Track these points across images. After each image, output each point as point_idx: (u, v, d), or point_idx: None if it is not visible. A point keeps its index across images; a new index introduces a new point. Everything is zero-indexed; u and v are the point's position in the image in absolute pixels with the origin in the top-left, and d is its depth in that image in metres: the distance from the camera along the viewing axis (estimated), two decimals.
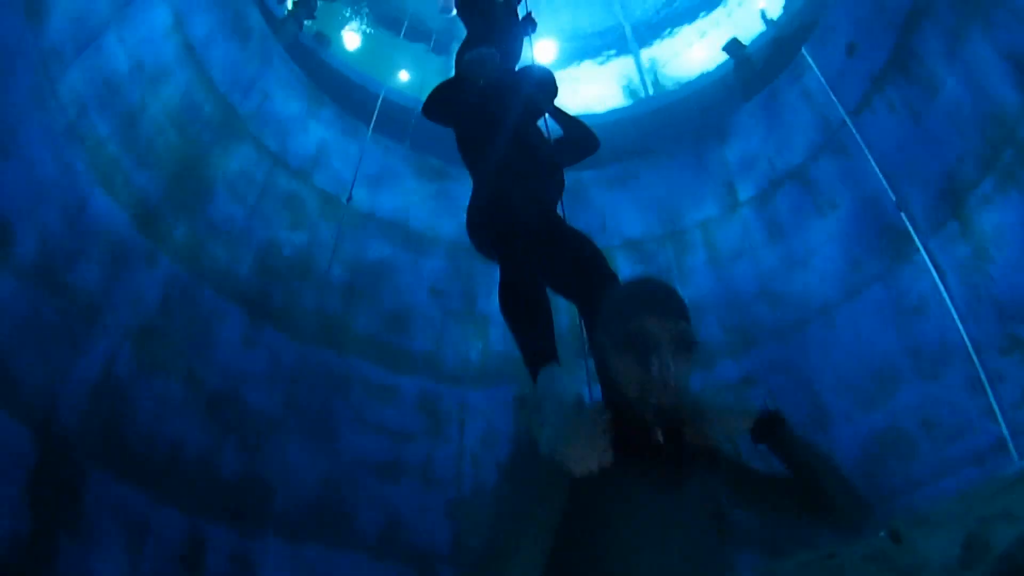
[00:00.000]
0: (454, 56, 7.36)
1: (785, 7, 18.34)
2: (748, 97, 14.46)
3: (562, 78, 19.15)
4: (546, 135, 6.42)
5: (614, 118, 18.57)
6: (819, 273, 11.28)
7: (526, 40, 8.41)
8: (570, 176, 13.96)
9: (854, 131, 11.28)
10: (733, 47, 16.50)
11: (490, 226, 4.71)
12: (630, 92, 21.53)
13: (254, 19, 13.17)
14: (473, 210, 4.99)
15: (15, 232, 7.87)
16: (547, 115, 6.71)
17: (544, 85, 6.35)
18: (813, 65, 12.46)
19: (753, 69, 15.43)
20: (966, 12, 9.56)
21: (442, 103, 6.22)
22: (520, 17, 8.52)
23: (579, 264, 4.94)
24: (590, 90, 21.74)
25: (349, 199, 12.59)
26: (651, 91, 20.85)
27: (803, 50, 12.83)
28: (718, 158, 13.49)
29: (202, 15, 11.78)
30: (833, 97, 11.84)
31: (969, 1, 9.56)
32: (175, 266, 10.36)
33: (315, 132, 13.43)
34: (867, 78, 11.18)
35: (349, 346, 11.89)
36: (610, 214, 13.86)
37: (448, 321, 12.77)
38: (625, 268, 13.02)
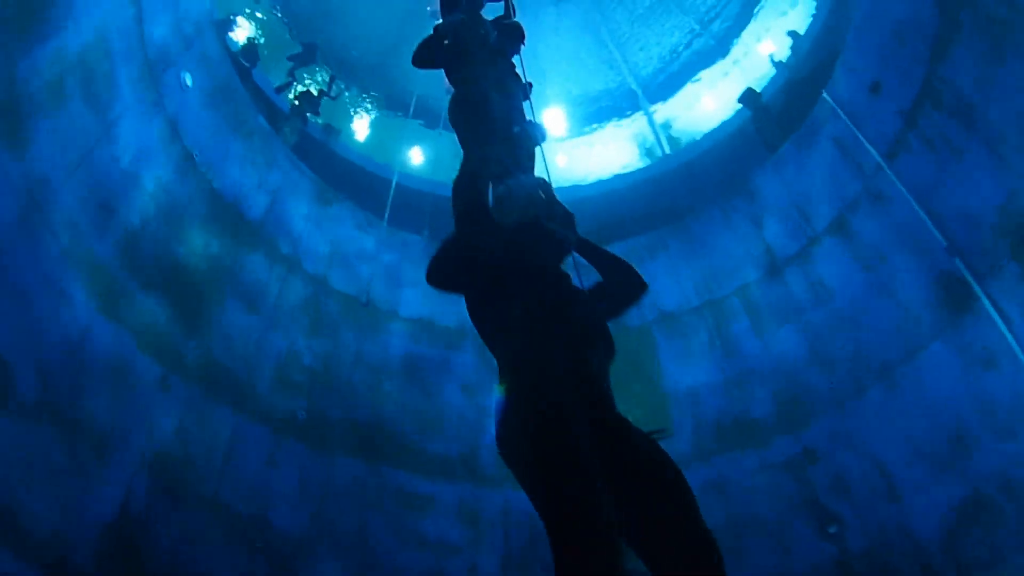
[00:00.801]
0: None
1: (793, 49, 17.74)
2: (772, 149, 13.76)
3: (575, 144, 18.97)
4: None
5: (632, 180, 17.99)
6: (873, 332, 10.35)
7: (525, 104, 7.62)
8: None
9: (891, 175, 10.47)
10: (749, 98, 15.82)
11: (535, 447, 3.12)
12: (646, 151, 20.96)
13: (256, 121, 12.63)
14: (507, 426, 3.36)
15: (13, 372, 7.29)
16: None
17: (567, 220, 5.03)
18: (837, 109, 11.69)
19: (772, 118, 14.73)
20: (998, 32, 8.81)
21: (454, 268, 4.41)
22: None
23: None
24: (605, 153, 21.23)
25: (367, 302, 11.97)
26: (667, 148, 20.23)
27: (824, 94, 12.08)
28: (750, 217, 12.69)
29: (201, 122, 11.24)
30: (863, 140, 11.06)
31: (996, 20, 8.82)
32: (190, 388, 9.73)
33: (329, 231, 12.82)
34: (898, 116, 10.37)
35: (380, 455, 11.15)
36: None
37: (483, 419, 11.94)
38: (664, 344, 12.30)
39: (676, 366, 12.14)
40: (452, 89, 7.08)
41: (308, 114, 16.14)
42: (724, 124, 17.87)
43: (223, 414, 9.98)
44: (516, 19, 8.25)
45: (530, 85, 6.80)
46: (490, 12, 7.91)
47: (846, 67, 11.64)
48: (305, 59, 20.26)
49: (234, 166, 11.74)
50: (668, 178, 17.55)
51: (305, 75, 20.97)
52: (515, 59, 7.54)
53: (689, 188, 16.46)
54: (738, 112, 17.22)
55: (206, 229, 10.81)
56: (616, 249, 11.90)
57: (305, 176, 13.09)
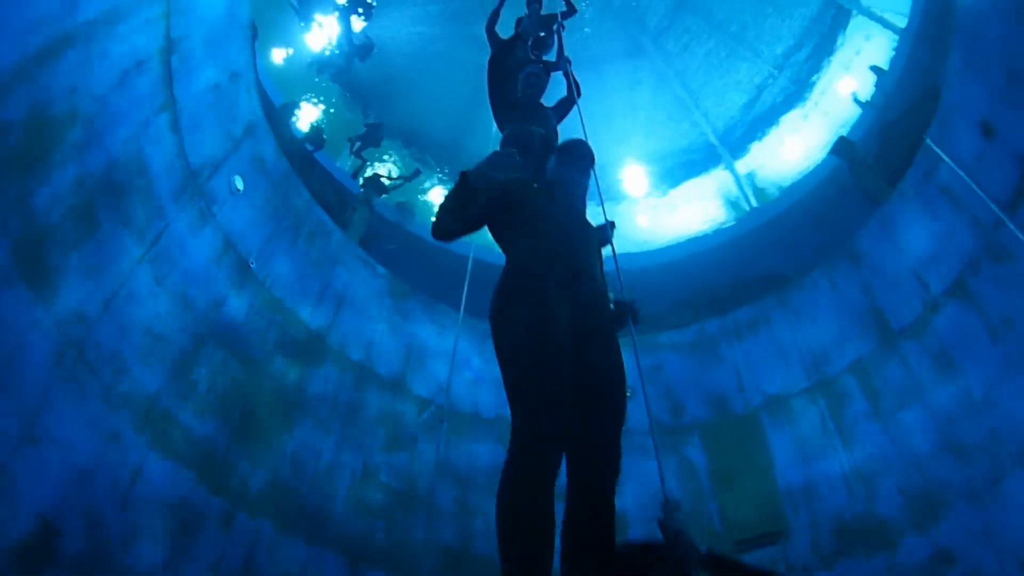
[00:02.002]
0: None
1: (878, 86, 16.49)
2: (873, 201, 12.45)
3: (656, 203, 17.85)
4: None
5: (721, 239, 16.83)
6: (1008, 411, 8.83)
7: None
8: (693, 331, 12.19)
9: (1013, 229, 9.05)
10: (843, 148, 14.45)
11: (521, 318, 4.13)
12: (731, 205, 19.79)
13: (318, 218, 11.64)
14: (500, 296, 4.41)
15: (59, 528, 6.49)
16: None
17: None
18: (944, 156, 10.30)
19: (869, 168, 13.37)
20: None
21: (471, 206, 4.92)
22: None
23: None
24: (688, 210, 20.12)
25: (447, 405, 10.89)
26: (754, 201, 19.02)
27: (927, 140, 10.69)
28: (857, 282, 11.24)
29: (256, 227, 10.29)
30: (978, 191, 9.65)
31: None
32: (256, 520, 8.71)
33: (403, 329, 11.76)
34: (1017, 162, 8.96)
35: None
36: (745, 369, 11.83)
37: None
38: (773, 433, 10.97)
39: (788, 458, 10.76)
40: None
41: (375, 199, 15.11)
42: (813, 172, 16.75)
43: (295, 546, 8.96)
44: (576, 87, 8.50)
45: (612, 224, 6.13)
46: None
47: (950, 108, 10.24)
48: (370, 140, 19.47)
49: (295, 271, 10.76)
50: (759, 235, 16.35)
51: (376, 156, 20.22)
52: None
53: (783, 246, 15.26)
54: (827, 158, 15.97)
55: (266, 343, 9.83)
56: (713, 326, 10.77)
57: (374, 272, 12.04)
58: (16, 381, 6.39)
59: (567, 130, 7.66)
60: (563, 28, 10.05)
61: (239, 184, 9.91)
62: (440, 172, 21.29)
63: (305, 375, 10.18)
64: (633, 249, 19.01)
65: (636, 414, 5.79)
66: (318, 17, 19.45)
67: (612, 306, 4.85)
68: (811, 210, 15.64)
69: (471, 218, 4.59)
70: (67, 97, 6.90)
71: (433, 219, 4.55)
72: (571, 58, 9.55)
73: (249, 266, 9.88)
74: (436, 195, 21.25)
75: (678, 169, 21.16)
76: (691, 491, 10.96)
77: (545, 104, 8.24)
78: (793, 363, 11.40)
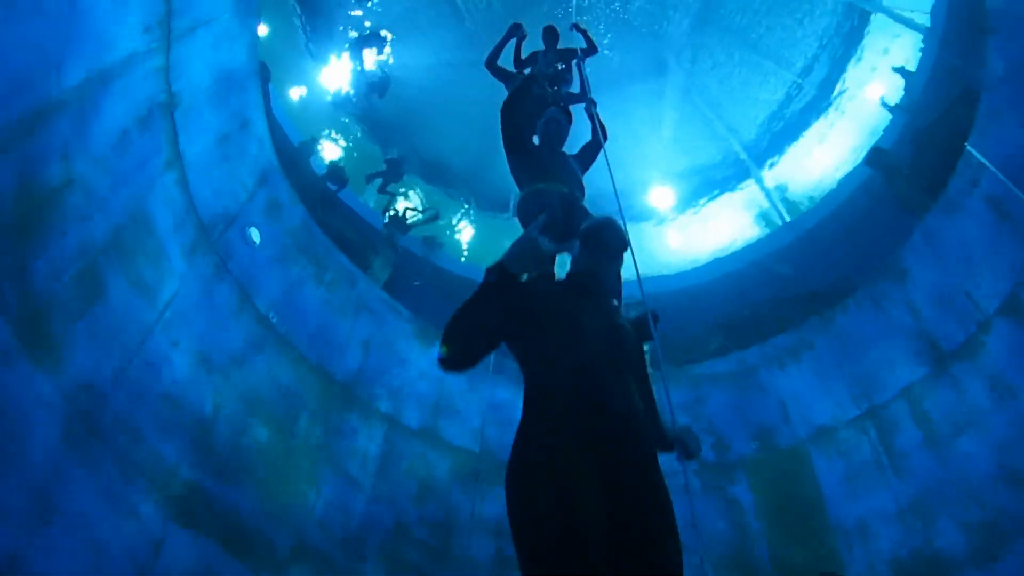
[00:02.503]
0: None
1: (907, 90, 15.88)
2: (910, 210, 11.85)
3: (686, 221, 17.33)
4: None
5: (754, 256, 16.19)
6: None
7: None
8: (733, 360, 11.60)
9: None
10: (877, 159, 13.82)
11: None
12: (762, 218, 19.25)
13: (340, 263, 11.18)
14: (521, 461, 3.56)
15: None
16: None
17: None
18: (988, 165, 9.69)
19: (905, 178, 12.74)
20: None
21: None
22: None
23: None
24: (720, 227, 19.58)
25: (481, 451, 10.40)
26: (785, 213, 18.42)
27: (968, 147, 10.07)
28: (902, 302, 10.54)
29: (275, 278, 9.85)
30: None
31: None
32: None
33: (433, 375, 11.21)
34: None
35: None
36: (790, 399, 11.14)
37: None
38: (823, 466, 10.33)
39: (839, 492, 10.09)
40: None
41: (401, 236, 14.65)
42: (844, 182, 16.13)
43: None
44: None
45: (655, 317, 5.32)
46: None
47: (992, 114, 9.64)
48: (391, 175, 19.06)
49: (318, 321, 10.32)
50: (793, 251, 15.71)
51: (398, 189, 19.84)
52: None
53: (819, 261, 14.69)
54: (858, 167, 15.38)
55: (290, 400, 9.36)
56: (753, 354, 10.20)
57: (400, 316, 11.54)
58: (24, 459, 5.96)
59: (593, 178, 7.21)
60: (583, 62, 9.55)
61: (255, 236, 9.49)
62: (465, 203, 20.85)
63: (332, 431, 9.70)
64: (664, 271, 18.53)
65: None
66: (335, 47, 19.15)
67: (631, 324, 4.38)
68: (845, 222, 15.03)
69: (490, 338, 3.80)
70: (61, 162, 6.45)
71: (441, 348, 3.74)
72: (590, 76, 9.14)
73: (269, 320, 9.44)
74: (463, 228, 20.82)
75: (706, 185, 20.71)
76: (739, 533, 10.34)
77: (567, 152, 7.54)
78: (840, 391, 10.71)
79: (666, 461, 3.72)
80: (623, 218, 6.42)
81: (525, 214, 6.41)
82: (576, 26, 10.74)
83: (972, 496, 8.92)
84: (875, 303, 10.82)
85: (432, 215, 19.37)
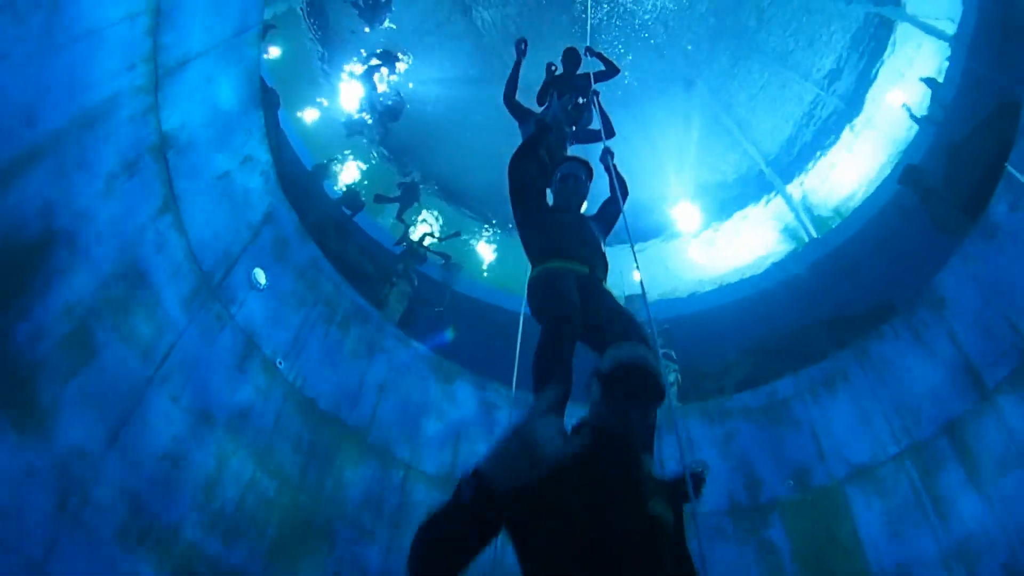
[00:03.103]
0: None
1: (935, 99, 15.24)
2: (950, 231, 11.22)
3: (711, 237, 16.75)
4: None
5: (782, 276, 15.61)
6: None
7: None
8: (765, 393, 10.92)
9: None
10: (911, 177, 13.14)
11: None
12: (788, 233, 18.60)
13: (351, 302, 10.64)
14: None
15: None
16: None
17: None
18: None
19: (941, 196, 12.08)
20: None
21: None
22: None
23: None
24: (746, 243, 18.96)
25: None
26: (811, 228, 17.78)
27: (1008, 167, 9.40)
28: (943, 331, 9.82)
29: (282, 321, 9.34)
30: None
31: None
32: None
33: (452, 415, 10.65)
34: None
35: None
36: (825, 434, 10.42)
37: None
38: (861, 507, 9.63)
39: (878, 536, 9.38)
40: None
41: (414, 270, 14.09)
42: (872, 197, 15.54)
43: None
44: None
45: (700, 477, 4.28)
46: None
47: None
48: (406, 201, 18.50)
49: (329, 365, 9.76)
50: (821, 269, 15.10)
51: (417, 212, 19.32)
52: None
53: (849, 279, 14.13)
54: (886, 181, 14.73)
55: (300, 450, 8.82)
56: (786, 385, 9.52)
57: (417, 355, 10.95)
58: (16, 535, 5.61)
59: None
60: (597, 97, 8.73)
61: (260, 278, 8.95)
62: (485, 223, 20.32)
63: (345, 481, 9.14)
64: (688, 288, 17.97)
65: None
66: (348, 69, 18.67)
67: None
68: (875, 240, 14.47)
69: (466, 560, 2.67)
70: (41, 216, 5.97)
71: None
72: (607, 94, 8.65)
73: (277, 367, 8.90)
74: (483, 248, 20.25)
75: (730, 201, 20.15)
76: None
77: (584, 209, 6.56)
78: (878, 426, 10.00)
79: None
80: (637, 262, 6.13)
81: (538, 304, 5.23)
82: (590, 50, 10.10)
83: (1019, 539, 8.26)
84: (913, 331, 10.14)
85: (452, 233, 18.79)
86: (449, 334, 12.38)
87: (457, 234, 18.99)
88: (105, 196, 6.60)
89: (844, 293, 13.69)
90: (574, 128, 8.38)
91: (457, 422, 10.58)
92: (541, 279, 5.24)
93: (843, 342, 11.25)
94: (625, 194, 6.64)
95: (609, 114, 8.69)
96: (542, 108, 9.05)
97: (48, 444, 5.93)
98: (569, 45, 9.94)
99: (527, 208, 6.04)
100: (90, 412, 6.41)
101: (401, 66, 18.84)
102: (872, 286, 12.86)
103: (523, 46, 9.42)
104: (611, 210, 6.46)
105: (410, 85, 19.37)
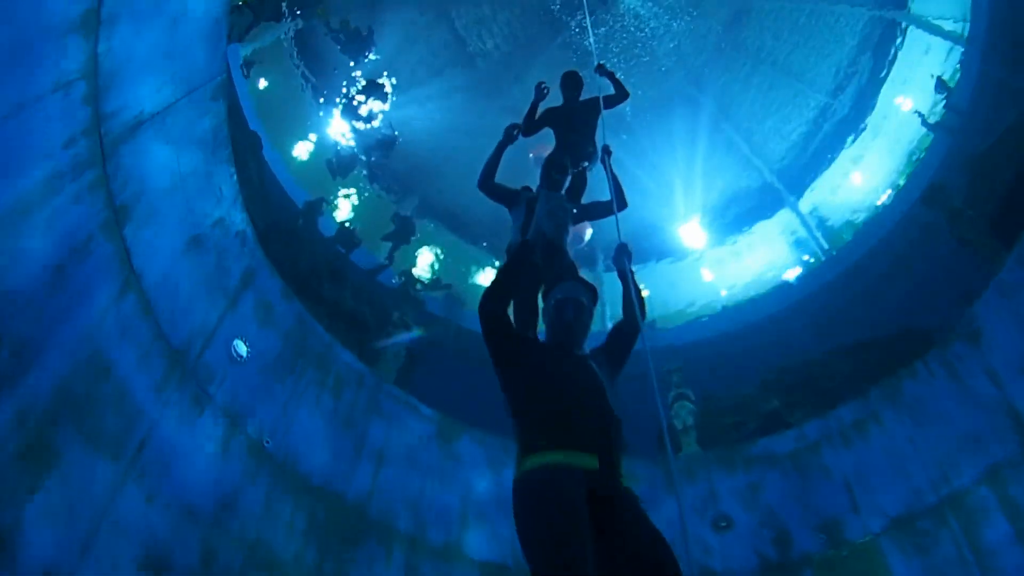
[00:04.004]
0: None
1: (948, 106, 14.45)
2: (976, 250, 10.44)
3: (720, 254, 15.97)
4: None
5: (797, 296, 14.82)
6: None
7: None
8: (791, 437, 10.09)
9: None
10: (937, 198, 12.24)
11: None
12: (798, 245, 17.88)
13: (344, 363, 9.88)
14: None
15: None
16: None
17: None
18: None
19: (969, 219, 11.21)
20: None
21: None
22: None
23: None
24: (756, 258, 18.29)
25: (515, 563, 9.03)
26: (823, 242, 17.03)
27: None
28: (980, 368, 8.97)
29: (269, 396, 8.61)
30: None
31: None
32: None
33: (456, 479, 9.93)
34: None
35: None
36: (857, 483, 9.55)
37: None
38: (899, 565, 8.76)
39: None
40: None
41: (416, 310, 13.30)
42: (888, 210, 14.68)
43: None
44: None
45: None
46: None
47: None
48: (401, 235, 17.69)
49: (322, 436, 9.01)
50: (839, 289, 14.29)
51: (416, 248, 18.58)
52: None
53: (869, 299, 13.30)
54: (900, 193, 13.98)
55: (294, 533, 8.08)
56: (813, 429, 8.86)
57: (417, 414, 10.18)
58: None
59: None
60: (610, 155, 7.11)
61: (241, 349, 8.18)
62: (490, 252, 19.56)
63: (344, 562, 8.39)
64: (701, 311, 17.23)
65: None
66: (338, 101, 17.94)
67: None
68: (892, 255, 13.69)
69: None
70: None
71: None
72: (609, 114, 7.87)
73: (264, 447, 8.12)
74: (487, 279, 19.51)
75: (739, 217, 19.54)
76: None
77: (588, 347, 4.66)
78: (915, 474, 9.11)
79: None
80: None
81: (526, 543, 3.35)
82: (601, 68, 8.94)
83: None
84: (948, 368, 9.30)
85: (444, 285, 17.79)
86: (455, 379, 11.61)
87: (449, 287, 17.93)
88: (51, 289, 5.82)
89: (864, 314, 12.94)
90: (575, 211, 7.04)
91: (462, 485, 9.83)
92: (529, 492, 3.47)
93: (870, 375, 10.46)
94: (643, 313, 4.73)
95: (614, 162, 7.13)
96: (537, 187, 7.22)
97: (13, 566, 5.29)
98: (568, 70, 8.60)
99: (506, 361, 4.11)
100: (57, 526, 5.72)
101: (383, 105, 18.02)
102: (894, 307, 12.15)
103: (517, 129, 7.60)
104: (626, 334, 4.60)
105: (398, 127, 18.64)
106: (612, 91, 8.47)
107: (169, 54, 7.06)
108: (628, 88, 8.67)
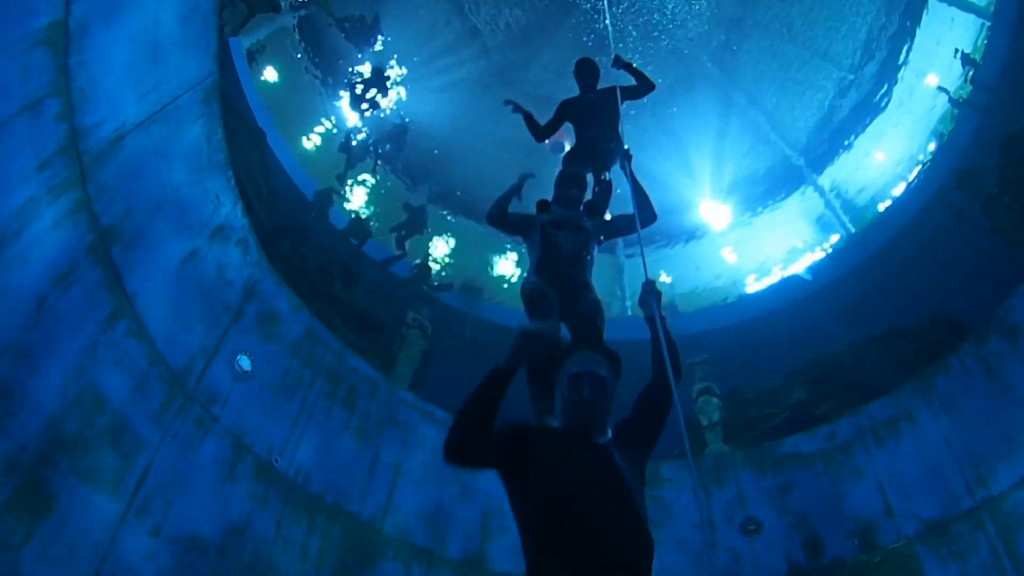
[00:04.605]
0: None
1: (974, 81, 13.90)
2: (1011, 238, 9.93)
3: (742, 234, 15.44)
4: None
5: (824, 278, 14.31)
6: None
7: None
8: (822, 436, 9.51)
9: None
10: (967, 182, 11.64)
11: None
12: (822, 226, 17.44)
13: (355, 371, 9.40)
14: None
15: None
16: None
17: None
18: None
19: (1005, 206, 10.63)
20: None
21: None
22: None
23: None
24: (778, 238, 17.86)
25: None
26: (847, 222, 16.54)
27: None
28: (1018, 365, 8.40)
29: (277, 412, 8.21)
30: None
31: None
32: None
33: (476, 490, 9.31)
34: None
35: None
36: (891, 485, 9.00)
37: None
38: (934, 571, 8.23)
39: None
40: None
41: (431, 306, 12.78)
42: (916, 191, 14.11)
43: None
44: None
45: None
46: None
47: None
48: (413, 227, 17.15)
49: (334, 451, 8.59)
50: (865, 272, 13.76)
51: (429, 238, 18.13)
52: None
53: (897, 284, 12.79)
54: (927, 172, 13.45)
55: (308, 557, 7.69)
56: (844, 427, 9.94)
57: (433, 420, 9.70)
58: None
59: None
60: (630, 160, 6.30)
61: (245, 365, 7.77)
62: (507, 238, 19.15)
63: None
64: (724, 295, 16.78)
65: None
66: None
67: None
68: (918, 238, 13.10)
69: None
70: None
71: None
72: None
73: (273, 467, 7.73)
74: (505, 268, 19.10)
75: (761, 196, 19.01)
76: None
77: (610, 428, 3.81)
78: (950, 475, 8.60)
79: None
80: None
81: None
82: (618, 60, 7.81)
83: None
84: (984, 364, 8.76)
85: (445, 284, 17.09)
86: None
87: (450, 286, 17.24)
88: (35, 321, 5.44)
89: (890, 302, 12.41)
90: (595, 233, 6.05)
91: (483, 496, 9.29)
92: None
93: (899, 367, 9.99)
94: (677, 375, 3.79)
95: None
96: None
97: None
98: (582, 56, 7.86)
99: (510, 474, 3.27)
100: (57, 570, 5.43)
101: (391, 93, 17.52)
102: (921, 294, 11.61)
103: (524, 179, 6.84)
104: (655, 413, 3.71)
105: (402, 114, 18.19)
106: (632, 82, 7.61)
107: (151, 59, 6.56)
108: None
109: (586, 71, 7.55)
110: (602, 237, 6.08)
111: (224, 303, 7.82)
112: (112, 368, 6.22)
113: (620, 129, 7.07)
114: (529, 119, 7.41)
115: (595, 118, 7.26)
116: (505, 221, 6.30)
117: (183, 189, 7.31)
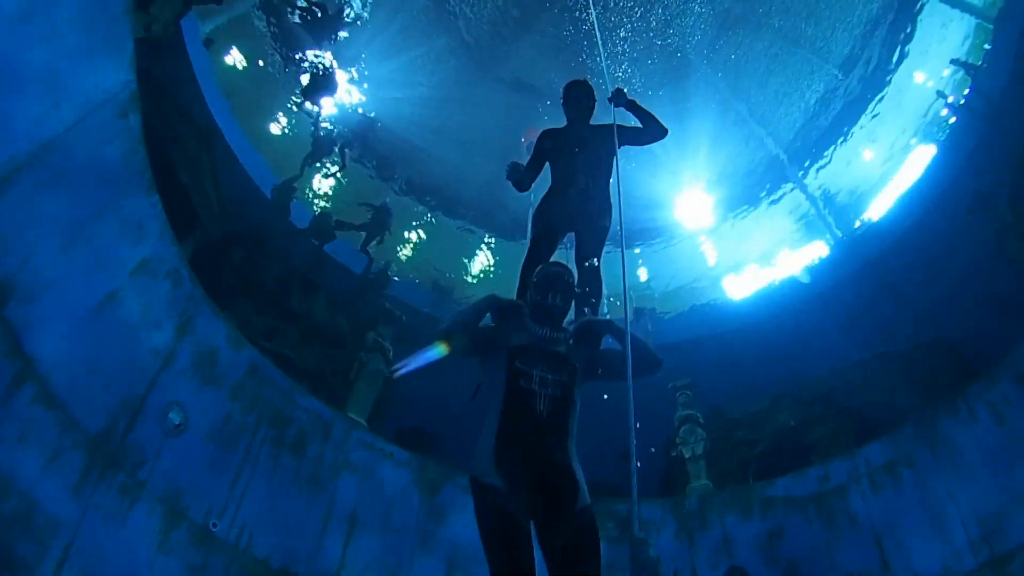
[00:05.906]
0: None
1: (974, 86, 13.66)
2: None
3: (725, 233, 14.76)
4: None
5: (814, 290, 13.65)
6: None
7: None
8: (814, 478, 8.27)
9: None
10: (981, 204, 10.86)
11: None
12: (807, 225, 16.96)
13: (306, 410, 8.53)
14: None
15: None
16: None
17: None
18: None
19: (1008, 222, 9.87)
20: None
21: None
22: None
23: None
24: (761, 240, 17.39)
25: None
26: (833, 225, 15.81)
27: None
28: None
29: (215, 468, 7.40)
30: None
31: None
32: None
33: (438, 538, 8.68)
34: None
35: None
36: (887, 535, 8.27)
37: None
38: None
39: None
40: None
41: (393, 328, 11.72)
42: (908, 197, 13.45)
43: None
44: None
45: None
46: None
47: None
48: (377, 228, 16.01)
49: (282, 504, 7.75)
50: (858, 283, 12.98)
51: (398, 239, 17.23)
52: None
53: (890, 296, 11.99)
54: (921, 180, 12.78)
55: None
56: (839, 470, 8.78)
57: (394, 461, 8.91)
58: None
59: None
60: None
61: (176, 419, 6.84)
62: (484, 231, 18.31)
63: None
64: (704, 296, 16.12)
65: None
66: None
67: None
68: (917, 247, 12.34)
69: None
70: None
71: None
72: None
73: (211, 532, 6.86)
74: (480, 261, 18.33)
75: (744, 194, 18.39)
76: None
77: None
78: (952, 529, 7.86)
79: None
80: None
81: None
82: (619, 95, 5.70)
83: None
84: (993, 411, 8.00)
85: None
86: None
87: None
88: None
89: (886, 310, 11.71)
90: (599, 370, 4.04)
91: (447, 544, 8.55)
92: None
93: (896, 394, 9.26)
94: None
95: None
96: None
97: None
98: (575, 79, 5.91)
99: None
100: None
101: (346, 93, 16.54)
102: (921, 317, 10.88)
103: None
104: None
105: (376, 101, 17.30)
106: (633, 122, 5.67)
107: (51, 71, 5.60)
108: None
109: (578, 96, 5.71)
110: (600, 370, 4.01)
111: (151, 348, 6.88)
112: (17, 444, 5.36)
113: (611, 183, 5.41)
114: (514, 170, 5.43)
115: (584, 160, 5.43)
116: (459, 342, 3.94)
117: (93, 224, 6.33)
